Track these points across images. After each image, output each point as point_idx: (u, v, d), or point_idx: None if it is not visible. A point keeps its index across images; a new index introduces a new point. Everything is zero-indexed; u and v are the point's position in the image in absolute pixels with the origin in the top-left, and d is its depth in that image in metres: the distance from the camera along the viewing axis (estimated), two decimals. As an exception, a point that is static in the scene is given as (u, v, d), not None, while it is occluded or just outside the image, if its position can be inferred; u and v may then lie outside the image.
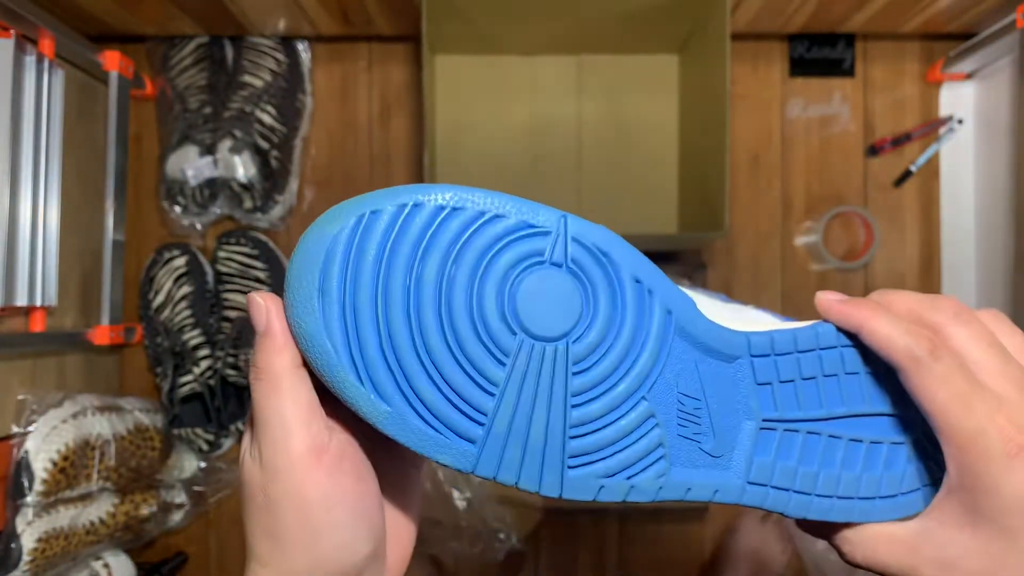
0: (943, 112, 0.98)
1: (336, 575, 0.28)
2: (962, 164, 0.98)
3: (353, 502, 0.28)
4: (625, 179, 0.97)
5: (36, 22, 0.73)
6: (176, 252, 0.93)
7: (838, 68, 0.98)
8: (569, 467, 0.28)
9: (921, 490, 0.31)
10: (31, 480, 0.70)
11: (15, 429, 0.72)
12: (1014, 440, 0.26)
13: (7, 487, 0.70)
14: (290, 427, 0.27)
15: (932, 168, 0.98)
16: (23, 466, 0.70)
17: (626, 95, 0.97)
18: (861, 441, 0.31)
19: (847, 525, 0.31)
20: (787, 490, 0.30)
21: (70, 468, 0.73)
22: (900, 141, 0.97)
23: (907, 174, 0.98)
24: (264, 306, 0.28)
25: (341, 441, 0.28)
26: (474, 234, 0.27)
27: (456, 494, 0.88)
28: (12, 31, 0.71)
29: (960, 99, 0.98)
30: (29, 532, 0.70)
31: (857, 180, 0.99)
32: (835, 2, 0.86)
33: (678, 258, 0.97)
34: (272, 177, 0.93)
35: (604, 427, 0.29)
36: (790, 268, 0.99)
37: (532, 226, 0.28)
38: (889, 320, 0.29)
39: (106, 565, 0.81)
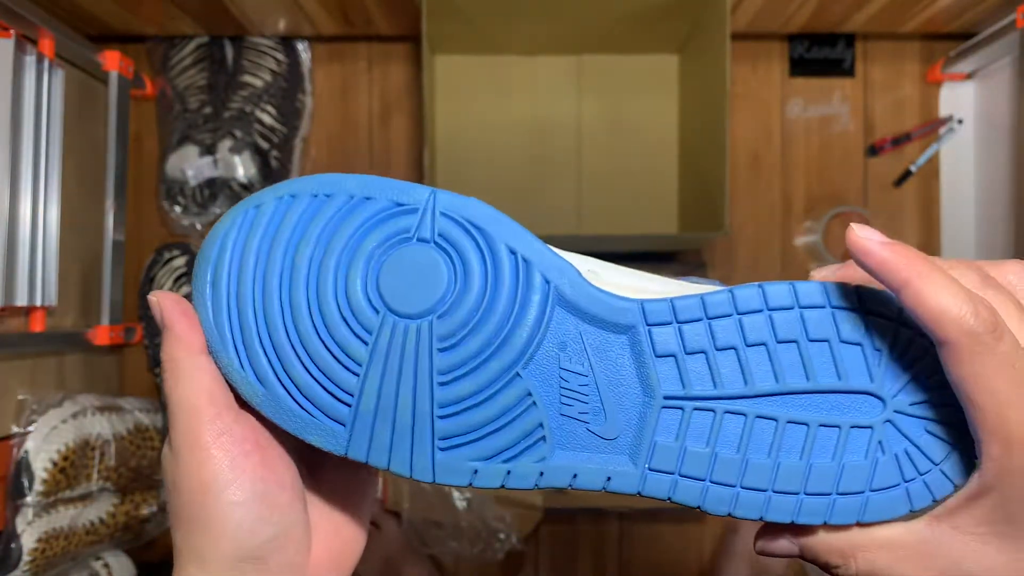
0: (943, 112, 0.98)
1: (235, 557, 0.28)
2: (962, 164, 0.98)
3: (252, 483, 0.28)
4: (625, 179, 0.97)
5: (36, 22, 0.73)
6: (176, 252, 0.93)
7: (838, 68, 0.98)
8: (440, 449, 0.27)
9: (903, 487, 0.26)
10: (31, 480, 0.70)
11: (15, 429, 0.72)
12: None
13: (7, 487, 0.70)
14: (188, 410, 0.28)
15: (932, 168, 0.98)
16: (23, 466, 0.70)
17: (626, 95, 0.97)
18: (804, 424, 0.26)
19: (825, 533, 0.27)
20: (701, 480, 0.26)
21: (70, 468, 0.73)
22: (900, 141, 0.97)
23: (907, 174, 0.98)
24: (157, 303, 0.29)
25: (251, 426, 0.29)
26: (343, 219, 0.28)
27: (456, 494, 0.88)
28: (12, 31, 0.71)
29: (960, 99, 0.98)
30: (29, 532, 0.70)
31: (857, 180, 0.99)
32: (835, 2, 0.86)
33: (678, 258, 0.97)
34: (272, 177, 0.93)
35: (474, 406, 0.27)
36: (790, 268, 0.99)
37: (400, 205, 0.28)
38: (948, 281, 0.23)
39: (106, 565, 0.80)
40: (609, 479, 0.27)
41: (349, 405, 0.28)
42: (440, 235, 0.27)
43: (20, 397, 0.74)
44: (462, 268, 0.27)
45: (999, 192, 0.92)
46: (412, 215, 0.28)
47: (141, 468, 0.83)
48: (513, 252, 0.27)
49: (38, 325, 0.76)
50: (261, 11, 0.87)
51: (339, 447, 0.28)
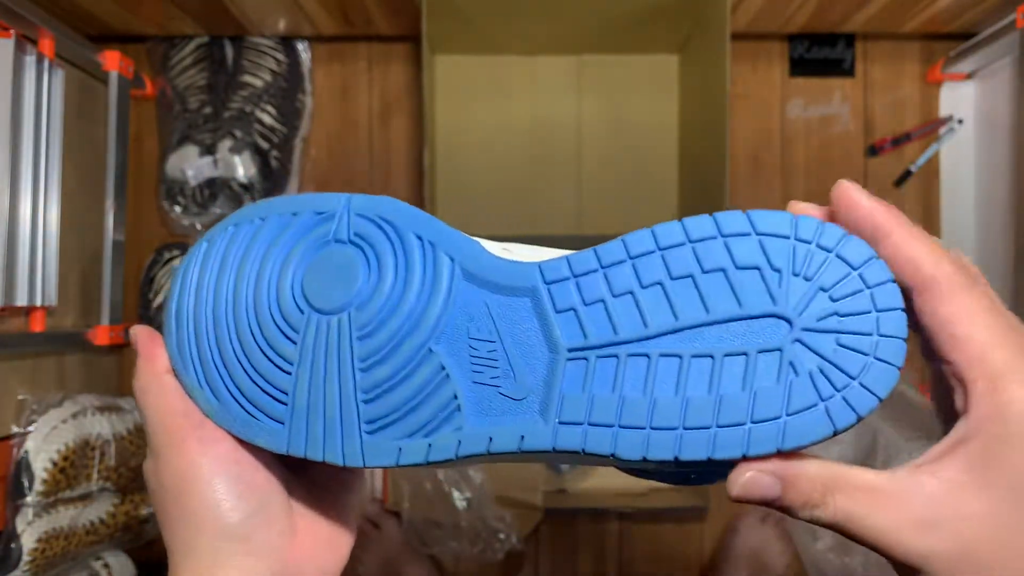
0: (943, 112, 0.98)
1: (218, 537, 0.29)
2: (962, 164, 0.98)
3: (227, 466, 0.30)
4: (625, 179, 0.97)
5: (36, 22, 0.73)
6: (176, 252, 0.93)
7: (838, 68, 0.98)
8: (366, 433, 0.29)
9: (821, 406, 0.25)
10: (31, 480, 0.70)
11: (15, 429, 0.72)
12: None
13: (7, 487, 0.70)
14: (162, 414, 0.31)
15: (932, 168, 0.98)
16: (23, 466, 0.70)
17: (626, 95, 0.97)
18: (710, 356, 0.26)
19: (811, 469, 0.25)
20: (610, 426, 0.26)
21: (70, 468, 0.73)
22: (900, 141, 0.97)
23: (907, 174, 0.98)
24: (134, 334, 0.33)
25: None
26: (275, 236, 0.31)
27: (456, 494, 0.88)
28: (12, 31, 0.71)
29: (960, 99, 0.98)
30: (29, 532, 0.70)
31: (857, 180, 0.98)
32: (835, 2, 0.86)
33: (678, 258, 0.97)
34: (272, 177, 0.93)
35: (394, 387, 0.29)
36: (790, 268, 0.99)
37: (320, 213, 0.31)
38: (926, 235, 0.25)
39: (106, 565, 0.80)
40: (523, 438, 0.27)
41: (285, 403, 0.30)
42: (355, 234, 0.30)
43: (20, 397, 0.74)
44: (376, 261, 0.29)
45: (999, 192, 0.92)
46: (331, 221, 0.30)
47: (141, 468, 0.83)
48: (420, 238, 0.29)
49: (38, 325, 0.76)
50: (261, 11, 0.87)
51: (281, 445, 0.30)
